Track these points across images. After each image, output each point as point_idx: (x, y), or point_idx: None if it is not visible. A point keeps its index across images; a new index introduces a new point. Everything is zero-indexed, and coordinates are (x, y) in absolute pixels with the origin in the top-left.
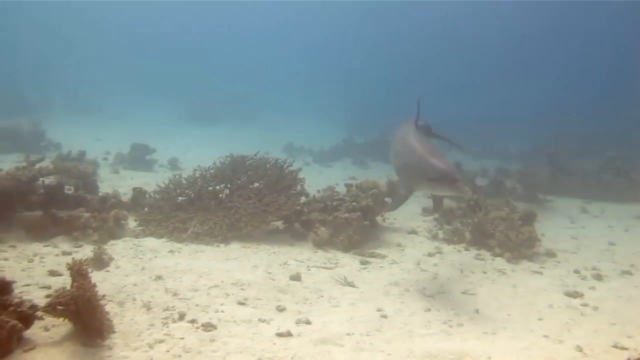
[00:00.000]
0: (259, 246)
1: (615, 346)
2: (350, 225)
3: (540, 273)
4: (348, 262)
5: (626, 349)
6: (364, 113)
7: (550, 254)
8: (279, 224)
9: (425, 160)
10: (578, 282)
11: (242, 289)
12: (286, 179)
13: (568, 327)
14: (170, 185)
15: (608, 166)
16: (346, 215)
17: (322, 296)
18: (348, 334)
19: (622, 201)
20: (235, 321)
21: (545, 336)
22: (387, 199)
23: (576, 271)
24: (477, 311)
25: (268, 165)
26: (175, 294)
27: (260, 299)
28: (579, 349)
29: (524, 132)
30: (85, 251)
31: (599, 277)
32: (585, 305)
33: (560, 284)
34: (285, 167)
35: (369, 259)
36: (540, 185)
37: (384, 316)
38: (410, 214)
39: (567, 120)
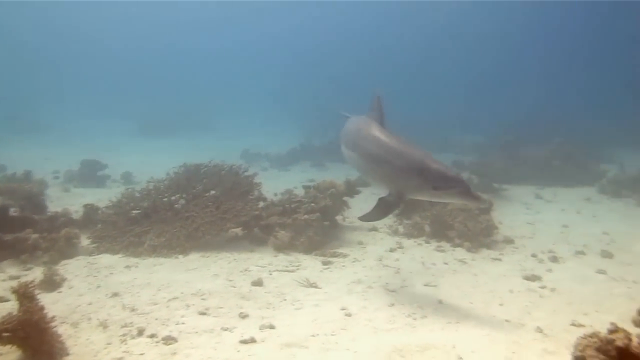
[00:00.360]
0: (219, 254)
1: (573, 324)
2: (310, 227)
3: (500, 260)
4: (310, 264)
5: (583, 326)
6: (320, 115)
7: (508, 241)
8: (238, 230)
9: (428, 166)
10: (536, 266)
11: (203, 299)
12: (242, 185)
13: (528, 310)
14: (123, 199)
15: (557, 152)
16: (305, 216)
17: (285, 300)
18: (313, 335)
19: (573, 185)
20: (197, 332)
21: (507, 321)
22: (346, 198)
23: (533, 255)
24: (440, 302)
25: (223, 172)
26: (133, 310)
27: (222, 308)
28: (539, 330)
29: (480, 126)
30: (35, 274)
31: (555, 260)
32: (543, 287)
33: (519, 268)
34: (240, 172)
35: (331, 259)
36: (495, 174)
37: (349, 314)
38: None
39: (520, 112)
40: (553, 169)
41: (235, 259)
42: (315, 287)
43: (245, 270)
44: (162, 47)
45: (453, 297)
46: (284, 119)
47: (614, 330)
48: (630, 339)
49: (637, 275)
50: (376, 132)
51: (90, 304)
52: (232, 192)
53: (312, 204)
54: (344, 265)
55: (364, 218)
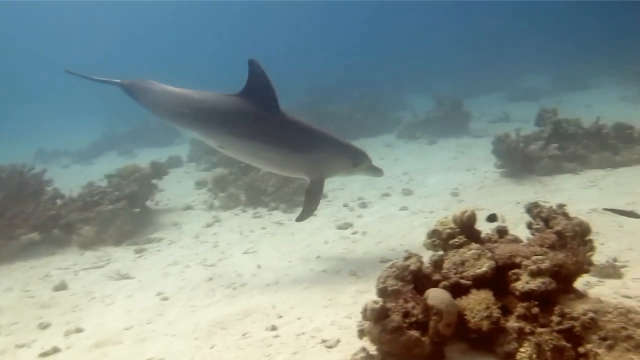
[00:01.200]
0: (11, 266)
1: (381, 261)
2: (118, 217)
3: (315, 215)
4: (122, 255)
5: (390, 260)
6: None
7: (323, 196)
8: (34, 235)
9: (348, 146)
10: (348, 214)
11: None
12: (30, 185)
13: (343, 257)
14: None
15: (358, 105)
16: (110, 207)
17: (94, 298)
18: (127, 329)
19: (375, 134)
20: None
21: (324, 271)
22: (154, 181)
23: (345, 205)
24: (259, 266)
25: (3, 174)
26: None
27: (17, 323)
28: (353, 273)
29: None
30: None
31: (364, 205)
32: (355, 233)
33: (333, 220)
34: (25, 172)
35: (144, 246)
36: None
37: (165, 298)
38: (183, 191)
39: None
40: (356, 122)
41: (32, 267)
42: (128, 277)
43: (46, 276)
44: None
45: (272, 259)
46: (81, 109)
47: (408, 256)
48: (421, 262)
49: (432, 206)
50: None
51: None
52: (19, 195)
53: (117, 193)
54: (159, 250)
55: (301, 217)
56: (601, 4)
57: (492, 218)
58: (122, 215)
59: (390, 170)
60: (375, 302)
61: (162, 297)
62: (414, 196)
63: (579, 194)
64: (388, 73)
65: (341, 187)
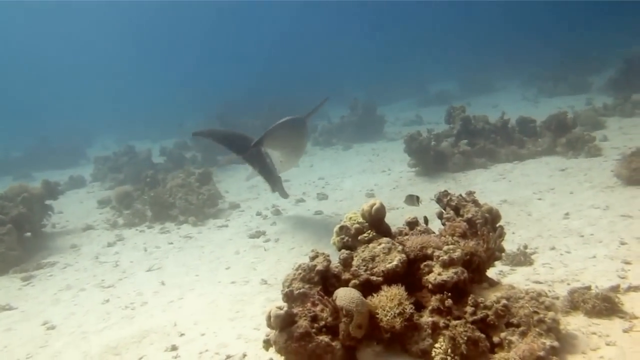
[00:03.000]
0: None
1: (297, 269)
2: (2, 242)
3: (227, 226)
4: (5, 284)
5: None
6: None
7: (234, 206)
8: None
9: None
10: (261, 223)
11: None
12: None
13: (254, 266)
14: None
15: (269, 117)
16: None
17: None
18: None
19: None
20: None
21: (232, 282)
22: (48, 202)
23: (258, 214)
24: (162, 283)
25: None
26: None
27: None
28: (264, 281)
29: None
30: None
31: (277, 212)
32: (267, 241)
33: (246, 229)
34: None
35: (34, 272)
36: (216, 146)
37: (52, 327)
38: (85, 211)
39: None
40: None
41: None
42: (9, 309)
43: None
44: None
45: (178, 274)
46: None
47: (314, 256)
48: (329, 261)
49: (347, 208)
50: None
51: None
52: None
53: (0, 216)
54: (51, 275)
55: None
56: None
57: (411, 200)
58: (6, 241)
59: (305, 177)
60: (280, 308)
61: (48, 327)
62: (329, 200)
63: (490, 187)
64: (301, 85)
65: (255, 197)
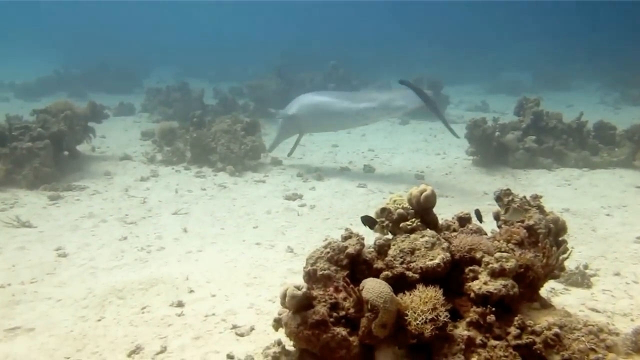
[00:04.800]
0: None
1: (326, 239)
2: (36, 157)
3: (264, 182)
4: (32, 200)
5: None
6: (80, 40)
7: (276, 162)
8: None
9: None
10: (300, 185)
11: None
12: None
13: (283, 230)
14: None
15: (332, 76)
16: (29, 144)
17: None
18: (2, 287)
19: None
20: None
21: (257, 244)
22: (91, 124)
23: (299, 175)
24: (185, 230)
25: None
26: None
27: None
28: (290, 249)
29: (262, 56)
30: None
31: (319, 177)
32: (303, 205)
33: (282, 189)
34: None
35: (62, 193)
36: (270, 99)
37: (63, 255)
38: (127, 140)
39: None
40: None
41: None
42: (29, 226)
43: None
44: None
45: (204, 224)
46: (38, 39)
47: (348, 236)
48: (362, 244)
49: (393, 186)
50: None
51: None
52: None
53: (39, 129)
54: (78, 199)
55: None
56: (594, 5)
57: (477, 213)
58: (41, 156)
59: (355, 145)
60: (298, 288)
61: (60, 253)
62: (375, 174)
63: (552, 192)
64: (369, 53)
65: (300, 156)
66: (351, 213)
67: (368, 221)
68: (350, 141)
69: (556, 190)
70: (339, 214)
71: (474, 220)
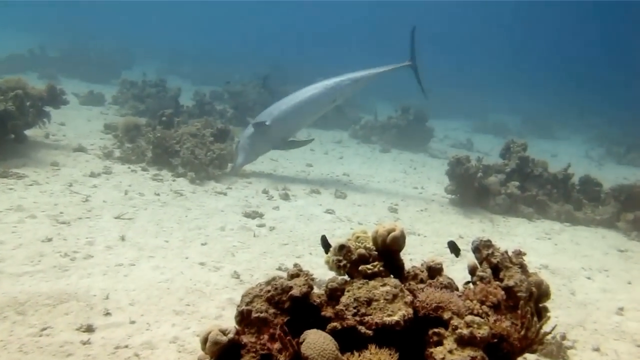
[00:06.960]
0: None
1: (279, 268)
2: None
3: (225, 194)
4: None
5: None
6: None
7: (243, 175)
8: None
9: None
10: (263, 202)
11: None
12: None
13: (234, 251)
14: None
15: None
16: None
17: None
18: None
19: (327, 128)
20: None
21: (201, 264)
22: (47, 108)
23: (264, 192)
24: (122, 238)
25: None
26: None
27: None
28: (236, 275)
29: (252, 65)
30: None
31: (286, 197)
32: (262, 225)
33: (244, 204)
34: None
35: None
36: (251, 107)
37: None
38: (87, 130)
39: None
40: None
41: None
42: None
43: None
44: None
45: (146, 233)
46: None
47: (295, 274)
48: (310, 287)
49: (363, 217)
50: None
51: None
52: None
53: None
54: (11, 188)
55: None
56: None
57: (454, 249)
58: None
59: (330, 167)
60: (224, 332)
61: None
62: (346, 200)
63: (530, 244)
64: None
65: (269, 172)
66: (312, 240)
67: (327, 246)
68: (327, 162)
69: (535, 242)
70: (299, 239)
71: (449, 264)
